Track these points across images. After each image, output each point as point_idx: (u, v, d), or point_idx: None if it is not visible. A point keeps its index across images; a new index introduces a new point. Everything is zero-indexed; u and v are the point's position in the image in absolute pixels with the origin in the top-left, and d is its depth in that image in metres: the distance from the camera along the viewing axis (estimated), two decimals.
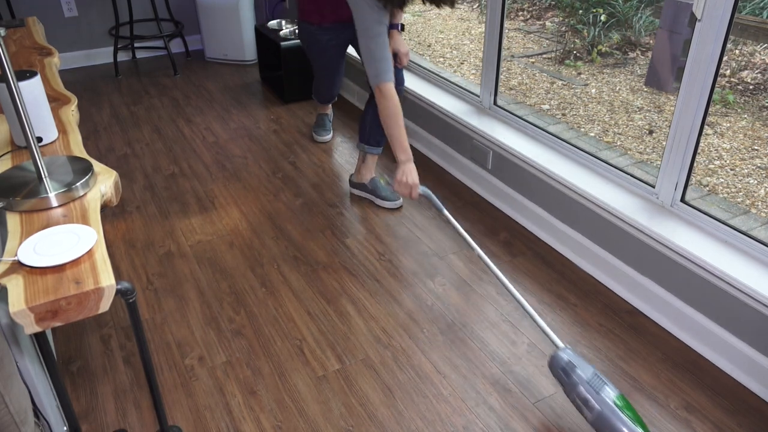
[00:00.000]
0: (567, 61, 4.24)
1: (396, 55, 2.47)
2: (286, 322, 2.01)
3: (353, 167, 2.98)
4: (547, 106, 3.74)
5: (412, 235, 2.44)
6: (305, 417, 1.67)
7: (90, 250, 1.12)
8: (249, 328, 1.98)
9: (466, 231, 2.47)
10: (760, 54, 3.48)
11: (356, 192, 2.74)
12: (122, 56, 4.51)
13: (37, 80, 1.44)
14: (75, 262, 1.10)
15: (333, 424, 1.65)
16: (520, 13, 4.84)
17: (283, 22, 3.85)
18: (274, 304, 2.09)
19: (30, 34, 2.32)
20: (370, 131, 2.57)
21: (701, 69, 1.77)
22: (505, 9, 2.54)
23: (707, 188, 2.74)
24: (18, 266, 1.08)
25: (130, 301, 1.24)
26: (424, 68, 3.18)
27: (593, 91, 3.82)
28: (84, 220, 1.22)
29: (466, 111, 2.77)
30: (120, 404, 1.72)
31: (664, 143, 2.07)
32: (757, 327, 1.71)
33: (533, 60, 4.31)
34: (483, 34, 2.65)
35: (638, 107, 3.56)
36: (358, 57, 3.47)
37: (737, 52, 3.52)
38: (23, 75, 1.43)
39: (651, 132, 3.32)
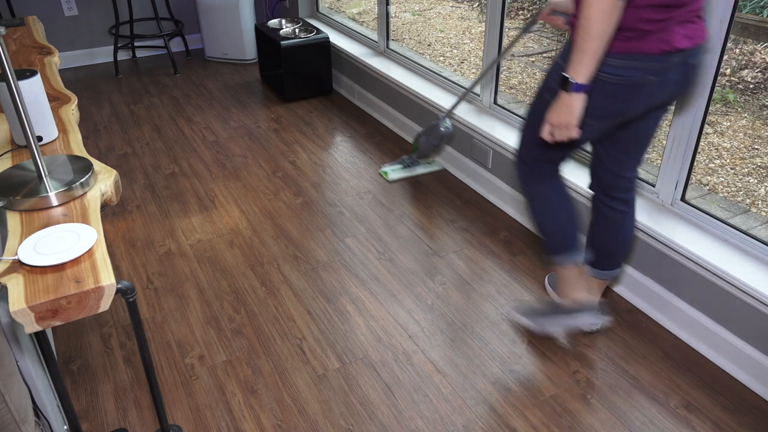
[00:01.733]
0: None
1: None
2: (287, 321, 2.01)
3: (353, 166, 2.97)
4: None
5: (412, 235, 2.44)
6: (305, 416, 1.68)
7: (90, 249, 1.12)
8: (249, 327, 1.98)
9: (465, 230, 2.47)
10: (760, 53, 3.48)
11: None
12: (122, 55, 4.51)
13: (37, 79, 1.44)
14: (75, 261, 1.10)
15: (333, 423, 1.65)
16: (521, 12, 4.84)
17: (283, 21, 3.85)
18: (275, 303, 2.09)
19: (30, 33, 2.32)
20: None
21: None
22: (506, 8, 2.54)
23: (707, 187, 2.74)
24: (18, 265, 1.08)
25: (131, 300, 1.24)
26: (424, 67, 3.18)
27: None
28: (84, 219, 1.22)
29: (466, 110, 2.77)
30: (120, 403, 1.72)
31: (664, 142, 2.06)
32: (756, 325, 1.71)
33: (533, 59, 4.30)
34: (483, 34, 2.65)
35: None
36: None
37: (737, 51, 3.52)
38: (23, 74, 1.43)
39: None
